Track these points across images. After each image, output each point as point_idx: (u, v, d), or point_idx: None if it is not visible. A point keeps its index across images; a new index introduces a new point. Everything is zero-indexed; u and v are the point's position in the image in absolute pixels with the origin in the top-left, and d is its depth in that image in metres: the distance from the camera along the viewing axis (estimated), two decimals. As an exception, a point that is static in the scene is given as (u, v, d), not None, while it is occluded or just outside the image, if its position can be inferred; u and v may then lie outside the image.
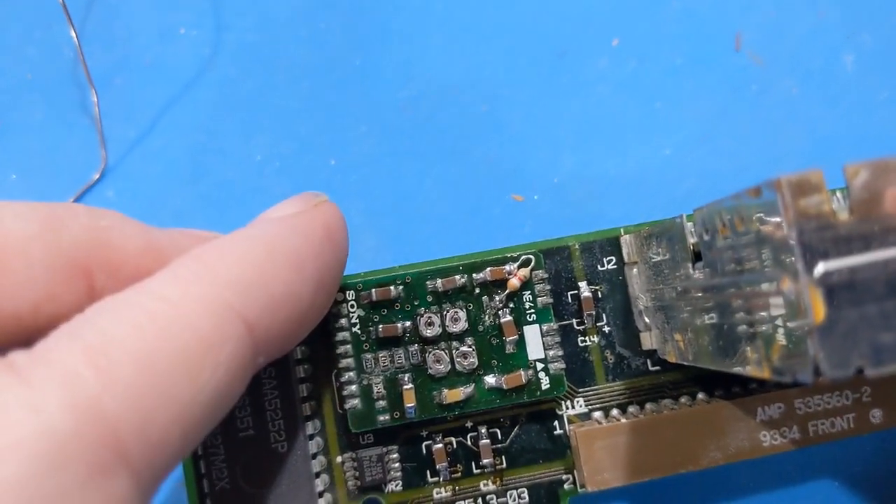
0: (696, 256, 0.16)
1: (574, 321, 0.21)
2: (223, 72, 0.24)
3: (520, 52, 0.25)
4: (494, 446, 0.20)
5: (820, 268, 0.11)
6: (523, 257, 0.20)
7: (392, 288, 0.20)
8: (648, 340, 0.20)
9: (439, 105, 0.25)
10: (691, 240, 0.16)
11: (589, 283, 0.21)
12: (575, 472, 0.20)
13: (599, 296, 0.21)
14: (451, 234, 0.24)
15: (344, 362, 0.20)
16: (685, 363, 0.18)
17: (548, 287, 0.20)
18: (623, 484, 0.18)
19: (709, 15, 0.26)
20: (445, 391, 0.19)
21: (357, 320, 0.20)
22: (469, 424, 0.20)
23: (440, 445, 0.20)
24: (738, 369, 0.14)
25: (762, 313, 0.13)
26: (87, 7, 0.25)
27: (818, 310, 0.11)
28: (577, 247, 0.21)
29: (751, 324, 0.13)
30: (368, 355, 0.20)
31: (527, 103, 0.25)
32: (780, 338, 0.12)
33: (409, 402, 0.19)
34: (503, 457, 0.20)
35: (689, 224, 0.16)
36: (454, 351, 0.20)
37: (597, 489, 0.18)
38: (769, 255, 0.12)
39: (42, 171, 0.23)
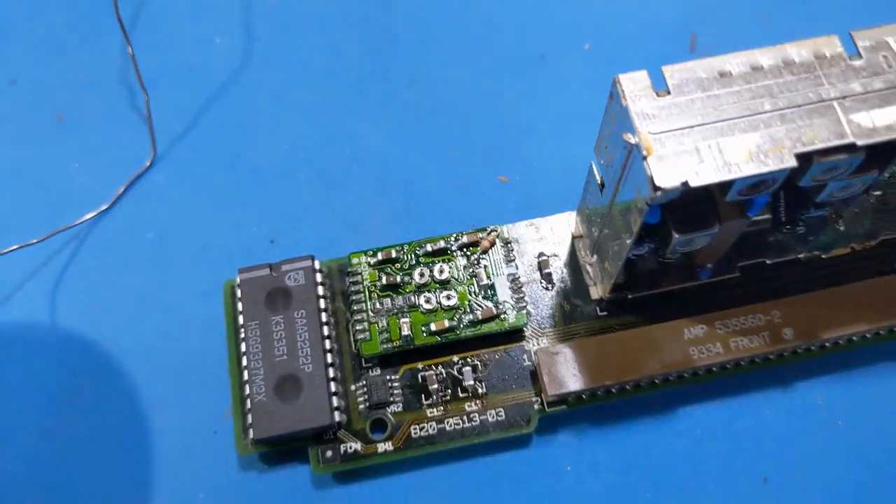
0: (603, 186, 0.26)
1: (537, 279, 0.30)
2: (254, 74, 0.35)
3: (505, 56, 0.36)
4: (476, 375, 0.30)
5: (645, 124, 0.21)
6: (490, 227, 0.30)
7: (393, 251, 0.30)
8: (595, 292, 0.30)
9: (438, 102, 0.36)
10: (598, 176, 0.26)
11: (547, 252, 0.31)
12: (541, 393, 0.29)
13: (556, 261, 0.31)
14: (448, 210, 0.34)
15: (357, 306, 0.30)
16: (613, 281, 0.27)
17: (513, 248, 0.30)
18: (578, 389, 0.28)
19: (667, 21, 0.36)
20: (433, 323, 0.29)
21: (367, 276, 0.30)
22: (456, 359, 0.30)
23: (432, 373, 0.30)
24: (632, 232, 0.24)
25: (630, 179, 0.23)
26: (135, 17, 0.36)
27: (650, 147, 0.21)
28: (537, 225, 0.32)
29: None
30: (375, 300, 0.30)
31: (512, 99, 0.36)
32: (640, 188, 0.22)
33: (406, 332, 0.29)
34: (483, 384, 0.30)
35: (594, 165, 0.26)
36: (440, 294, 0.30)
37: (556, 393, 0.28)
38: (626, 128, 0.22)
39: (100, 160, 0.34)
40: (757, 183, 0.22)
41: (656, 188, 0.21)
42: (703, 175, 0.21)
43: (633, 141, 0.22)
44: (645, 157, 0.22)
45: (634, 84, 0.23)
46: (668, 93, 0.23)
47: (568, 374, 0.28)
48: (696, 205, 0.26)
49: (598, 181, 0.27)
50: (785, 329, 0.29)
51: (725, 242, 0.28)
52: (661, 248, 0.27)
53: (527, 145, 0.35)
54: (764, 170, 0.22)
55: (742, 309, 0.29)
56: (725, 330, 0.29)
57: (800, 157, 0.22)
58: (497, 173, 0.35)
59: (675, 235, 0.25)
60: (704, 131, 0.22)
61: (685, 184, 0.21)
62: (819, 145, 0.22)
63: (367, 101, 0.35)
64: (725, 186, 0.23)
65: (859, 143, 0.22)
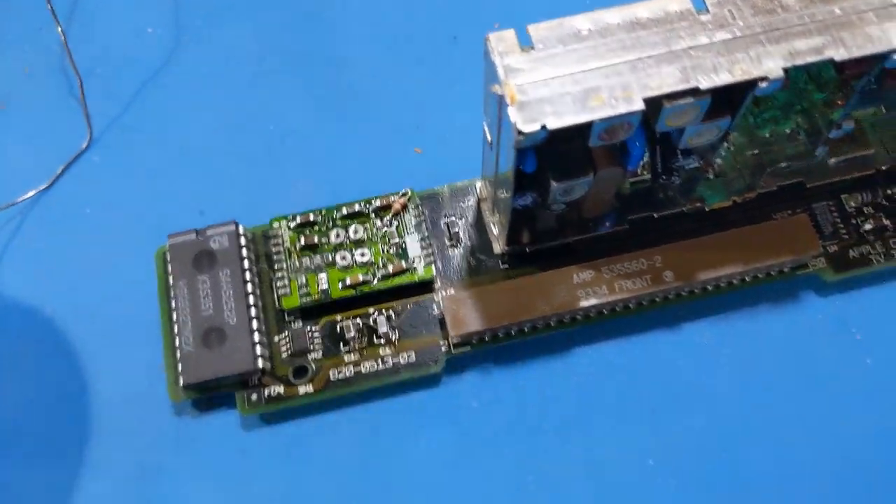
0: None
1: (446, 239, 0.33)
2: (183, 61, 0.38)
3: (421, 37, 0.39)
4: (390, 324, 0.32)
5: (511, 76, 0.24)
6: (401, 189, 0.33)
7: (311, 214, 0.33)
8: (497, 247, 0.33)
9: (358, 81, 0.38)
10: (489, 138, 0.29)
11: (455, 214, 0.34)
12: (447, 336, 0.32)
13: (463, 221, 0.33)
14: (366, 180, 0.36)
15: (278, 265, 0.32)
16: (507, 232, 0.30)
17: (424, 210, 0.33)
18: (478, 329, 0.30)
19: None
20: (348, 277, 0.32)
21: (288, 238, 0.32)
22: (371, 310, 0.33)
23: (349, 322, 0.32)
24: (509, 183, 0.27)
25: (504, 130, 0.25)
26: (70, 11, 0.38)
27: (513, 96, 0.24)
28: (446, 190, 0.34)
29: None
30: (295, 259, 0.32)
31: (428, 77, 0.38)
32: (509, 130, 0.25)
33: (323, 286, 0.32)
34: (396, 331, 0.32)
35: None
36: (355, 252, 0.32)
37: (459, 334, 0.30)
38: (494, 82, 0.25)
39: (40, 144, 0.36)
40: (613, 126, 0.25)
41: (519, 132, 0.24)
42: (560, 118, 0.24)
43: (499, 92, 0.25)
44: (509, 105, 0.24)
45: (503, 42, 0.25)
46: (533, 48, 0.25)
47: (470, 317, 0.31)
48: (572, 155, 0.28)
49: (488, 139, 0.29)
50: (665, 272, 0.32)
51: (607, 193, 0.31)
52: (545, 198, 0.29)
53: (440, 120, 0.37)
54: (613, 112, 0.24)
55: (627, 255, 0.32)
56: (611, 274, 0.32)
57: (648, 101, 0.25)
58: (413, 146, 0.37)
59: (553, 183, 0.28)
60: (564, 81, 0.25)
61: (544, 127, 0.24)
62: (666, 89, 0.25)
63: (290, 81, 0.38)
64: (586, 130, 0.25)
65: (702, 86, 0.25)
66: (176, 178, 0.36)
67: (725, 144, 0.33)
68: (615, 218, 0.33)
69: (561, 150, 0.28)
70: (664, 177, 0.31)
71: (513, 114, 0.24)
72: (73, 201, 0.35)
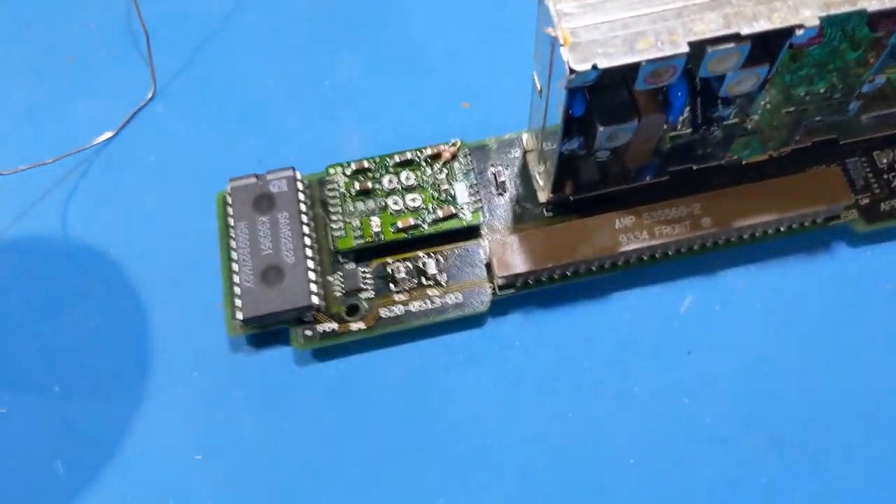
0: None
1: (493, 188, 0.35)
2: (243, 19, 0.40)
3: (467, 6, 0.40)
4: (438, 267, 0.34)
5: (564, 21, 0.25)
6: (452, 139, 0.35)
7: (366, 162, 0.34)
8: (543, 195, 0.34)
9: (409, 40, 0.40)
10: (538, 86, 0.30)
11: (502, 165, 0.35)
12: (493, 279, 0.33)
13: (510, 171, 0.35)
14: (417, 133, 0.38)
15: (333, 209, 0.34)
16: (553, 179, 0.32)
17: (472, 160, 0.34)
18: (523, 271, 0.32)
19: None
20: (400, 221, 0.33)
21: (343, 184, 0.34)
22: (421, 254, 0.34)
23: (400, 265, 0.34)
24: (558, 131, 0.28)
25: (555, 73, 0.27)
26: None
27: (566, 37, 0.25)
28: (493, 142, 0.35)
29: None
30: (349, 203, 0.34)
31: (477, 34, 0.40)
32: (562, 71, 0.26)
33: (376, 229, 0.33)
34: (445, 274, 0.34)
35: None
36: (406, 197, 0.34)
37: (504, 275, 0.32)
38: (548, 25, 0.26)
39: (106, 95, 0.38)
40: (659, 70, 0.27)
41: (572, 71, 0.26)
42: (610, 59, 0.26)
43: (552, 34, 0.26)
44: (562, 45, 0.26)
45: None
46: (585, -4, 0.27)
47: (515, 260, 0.33)
48: (618, 101, 0.30)
49: (538, 87, 0.31)
50: (704, 219, 0.33)
51: (650, 141, 0.32)
52: (590, 144, 0.31)
53: (488, 76, 0.39)
54: (660, 54, 0.26)
55: (667, 202, 0.33)
56: (651, 220, 0.33)
57: (692, 44, 0.26)
58: (461, 100, 0.39)
59: (600, 128, 0.30)
60: (613, 25, 0.26)
61: (595, 66, 0.26)
62: (708, 34, 0.26)
63: (343, 39, 0.40)
64: (632, 74, 0.27)
65: (743, 32, 0.26)
66: (236, 130, 0.38)
67: (763, 102, 0.35)
68: (656, 170, 0.34)
69: (607, 97, 0.30)
70: (704, 127, 0.33)
71: (565, 53, 0.26)
72: (139, 149, 0.37)
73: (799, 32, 0.26)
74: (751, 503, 0.31)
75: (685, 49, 0.26)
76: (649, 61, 0.26)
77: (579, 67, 0.25)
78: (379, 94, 0.39)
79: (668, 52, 0.26)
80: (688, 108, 0.32)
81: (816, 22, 0.26)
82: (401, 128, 0.38)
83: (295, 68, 0.39)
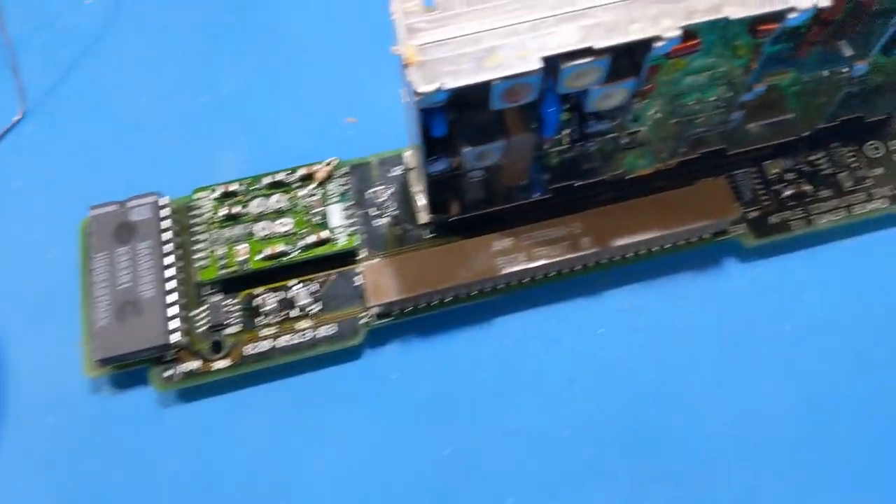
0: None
1: (372, 209, 0.33)
2: (119, 32, 0.38)
3: (353, 8, 0.38)
4: (310, 296, 0.32)
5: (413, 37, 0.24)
6: (328, 159, 0.33)
7: (234, 184, 0.32)
8: (423, 217, 0.33)
9: (292, 53, 0.39)
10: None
11: (383, 184, 0.33)
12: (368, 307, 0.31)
13: (391, 191, 0.33)
14: (299, 149, 0.36)
15: (197, 236, 0.32)
16: (427, 201, 0.30)
17: (350, 180, 0.33)
18: (398, 297, 0.30)
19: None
20: (268, 248, 0.31)
21: (209, 208, 0.32)
22: (293, 282, 0.32)
23: (269, 295, 0.32)
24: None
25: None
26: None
27: (411, 57, 0.24)
28: (374, 160, 0.34)
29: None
30: (215, 230, 0.32)
31: (362, 48, 0.38)
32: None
33: (242, 257, 0.31)
34: (317, 304, 0.32)
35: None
36: (276, 222, 0.32)
37: (378, 303, 0.30)
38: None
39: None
40: (514, 87, 0.25)
41: (417, 93, 0.24)
42: (457, 78, 0.24)
43: (398, 52, 0.24)
44: (406, 66, 0.24)
45: (407, 2, 0.25)
46: (436, 9, 0.25)
47: (389, 286, 0.31)
48: (484, 120, 0.28)
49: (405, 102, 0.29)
50: (583, 238, 0.32)
51: (523, 160, 0.31)
52: (460, 164, 0.29)
53: (374, 90, 0.37)
54: (510, 72, 0.24)
55: (545, 223, 0.32)
56: (529, 241, 0.32)
57: (546, 60, 0.24)
58: (346, 116, 0.37)
59: (465, 148, 0.28)
60: (465, 41, 0.25)
61: (442, 87, 0.24)
62: (561, 49, 0.25)
63: (224, 54, 0.38)
64: (487, 92, 0.25)
65: (598, 45, 0.25)
66: (108, 151, 0.36)
67: (650, 113, 0.33)
68: (540, 188, 0.33)
69: (473, 115, 0.28)
70: (581, 143, 0.31)
71: (411, 74, 0.24)
72: (3, 173, 0.35)
73: (658, 45, 0.25)
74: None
75: (537, 66, 0.24)
76: (500, 79, 0.24)
77: (425, 89, 0.24)
78: (260, 110, 0.37)
79: (519, 69, 0.24)
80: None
81: (677, 32, 0.25)
82: (283, 145, 0.36)
83: (172, 84, 0.37)
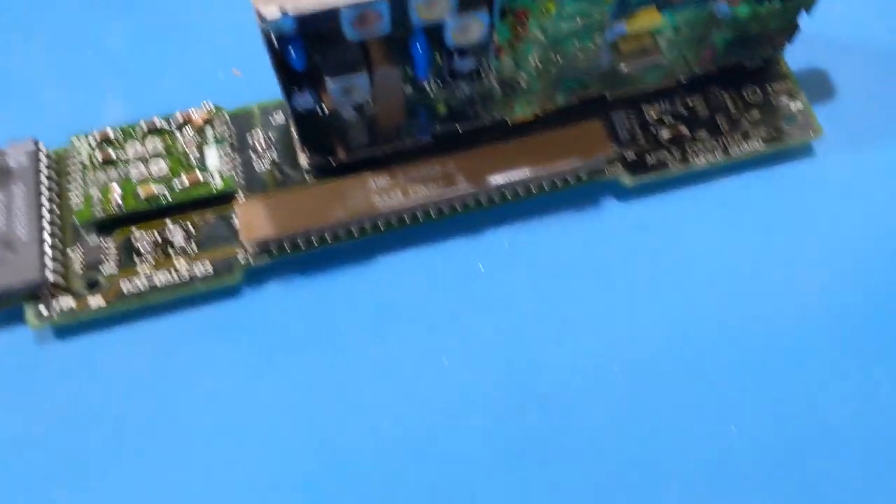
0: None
1: (253, 154, 0.33)
2: None
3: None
4: (187, 236, 0.32)
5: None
6: (205, 104, 0.33)
7: (111, 130, 0.32)
8: (303, 160, 0.33)
9: (180, 8, 0.38)
10: None
11: (264, 129, 0.34)
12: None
13: (271, 137, 0.33)
14: (185, 102, 0.35)
15: (74, 181, 0.32)
16: (299, 140, 0.30)
17: (231, 126, 0.33)
18: (271, 235, 0.30)
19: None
20: (142, 189, 0.31)
21: (86, 154, 0.32)
22: (170, 224, 0.32)
23: (145, 235, 0.32)
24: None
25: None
26: None
27: None
28: (256, 109, 0.34)
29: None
30: (91, 174, 0.32)
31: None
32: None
33: (117, 199, 0.31)
34: (194, 244, 0.32)
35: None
36: (152, 165, 0.32)
37: (250, 240, 0.30)
38: None
39: None
40: (363, 15, 0.25)
41: (260, 16, 0.24)
42: (299, 2, 0.24)
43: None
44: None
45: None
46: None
47: (263, 224, 0.31)
48: (348, 53, 0.28)
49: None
50: (458, 177, 0.32)
51: (396, 97, 0.31)
52: (331, 104, 0.30)
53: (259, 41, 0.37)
54: (352, 1, 0.24)
55: (423, 162, 0.32)
56: (406, 179, 0.32)
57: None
58: (232, 67, 0.37)
59: (328, 79, 0.28)
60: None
61: (283, 10, 0.24)
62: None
63: (111, 7, 0.38)
64: (338, 21, 0.25)
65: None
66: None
67: (530, 58, 0.34)
68: (426, 133, 0.33)
69: (336, 49, 0.28)
70: (453, 82, 0.32)
71: (255, 1, 0.24)
72: None
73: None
74: (510, 461, 0.30)
75: (380, -8, 0.25)
76: (346, 6, 0.25)
77: (267, 12, 0.24)
78: (146, 63, 0.37)
79: (360, -4, 0.24)
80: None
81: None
82: (168, 98, 0.36)
83: (58, 36, 0.37)
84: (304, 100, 0.30)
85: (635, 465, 0.30)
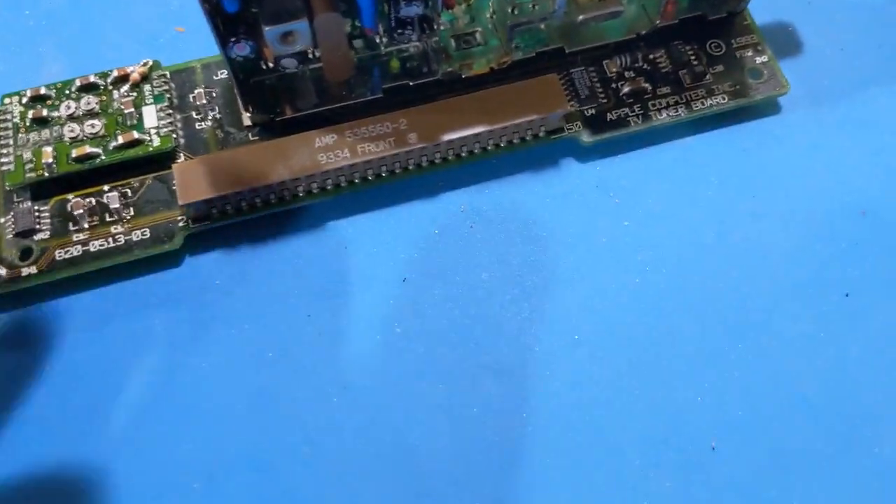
0: None
1: (194, 112, 0.31)
2: None
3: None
4: (125, 201, 0.30)
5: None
6: (143, 60, 0.31)
7: (43, 88, 0.31)
8: (246, 119, 0.31)
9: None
10: None
11: (205, 87, 0.32)
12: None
13: (213, 95, 0.31)
14: (128, 58, 0.34)
15: (4, 142, 0.30)
16: (240, 95, 0.29)
17: (170, 83, 0.31)
18: (208, 196, 0.29)
19: None
20: (75, 150, 0.30)
21: (17, 113, 0.30)
22: (107, 188, 0.31)
23: (80, 200, 0.30)
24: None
25: None
26: None
27: None
28: (198, 65, 0.32)
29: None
30: (23, 134, 0.30)
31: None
32: None
33: (48, 159, 0.29)
34: (132, 208, 0.30)
35: None
36: (86, 124, 0.30)
37: (188, 201, 0.29)
38: None
39: None
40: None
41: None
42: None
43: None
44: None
45: None
46: None
47: (201, 185, 0.29)
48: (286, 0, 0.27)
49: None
50: (410, 134, 0.30)
51: (341, 47, 0.29)
52: (272, 55, 0.28)
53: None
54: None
55: (371, 118, 0.31)
56: (354, 137, 0.30)
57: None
58: (174, 24, 0.35)
59: (264, 28, 0.27)
60: None
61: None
62: None
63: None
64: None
65: None
66: None
67: (487, 12, 0.32)
68: (376, 88, 0.32)
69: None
70: (399, 31, 0.30)
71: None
72: None
73: None
74: (465, 428, 0.28)
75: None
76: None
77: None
78: (83, 21, 0.36)
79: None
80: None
81: None
82: (108, 56, 0.35)
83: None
84: (242, 50, 0.28)
85: (599, 432, 0.28)
